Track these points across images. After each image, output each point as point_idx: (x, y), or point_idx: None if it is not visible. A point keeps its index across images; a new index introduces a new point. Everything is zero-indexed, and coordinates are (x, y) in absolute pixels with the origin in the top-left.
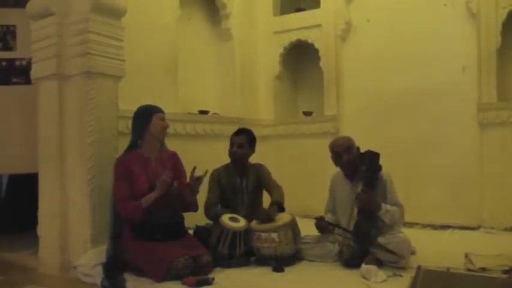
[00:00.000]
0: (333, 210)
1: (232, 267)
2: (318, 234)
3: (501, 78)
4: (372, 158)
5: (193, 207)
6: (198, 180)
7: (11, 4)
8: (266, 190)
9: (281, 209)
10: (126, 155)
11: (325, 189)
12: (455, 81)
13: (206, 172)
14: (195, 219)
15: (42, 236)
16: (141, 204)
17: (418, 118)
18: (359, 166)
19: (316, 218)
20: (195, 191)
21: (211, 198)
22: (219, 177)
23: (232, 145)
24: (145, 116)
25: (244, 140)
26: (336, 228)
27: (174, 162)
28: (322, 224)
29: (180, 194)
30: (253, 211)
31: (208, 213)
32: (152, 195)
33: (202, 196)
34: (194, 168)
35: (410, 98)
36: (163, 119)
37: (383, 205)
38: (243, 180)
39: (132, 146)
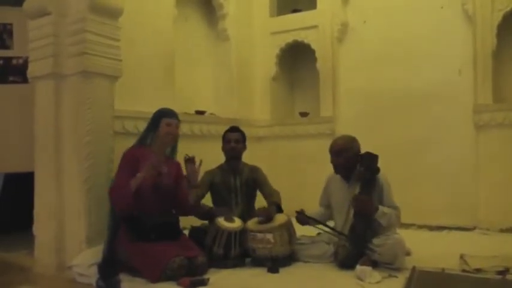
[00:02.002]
0: (325, 205)
1: (227, 268)
2: (313, 235)
3: (497, 80)
4: (370, 160)
5: (193, 208)
6: (191, 162)
7: (8, 2)
8: (263, 194)
9: (279, 210)
10: (135, 149)
11: (320, 190)
12: (451, 83)
13: (201, 162)
14: (190, 220)
15: (38, 236)
16: (130, 186)
17: (414, 119)
18: (353, 168)
19: (296, 212)
20: (193, 183)
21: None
22: (212, 178)
23: (229, 141)
24: (156, 118)
25: (240, 136)
26: (317, 223)
27: (178, 171)
28: (301, 218)
29: (179, 197)
30: (247, 210)
31: None
32: (139, 175)
33: None
34: (186, 157)
35: (406, 100)
36: (170, 125)
37: (380, 207)
38: (237, 179)
39: (141, 142)
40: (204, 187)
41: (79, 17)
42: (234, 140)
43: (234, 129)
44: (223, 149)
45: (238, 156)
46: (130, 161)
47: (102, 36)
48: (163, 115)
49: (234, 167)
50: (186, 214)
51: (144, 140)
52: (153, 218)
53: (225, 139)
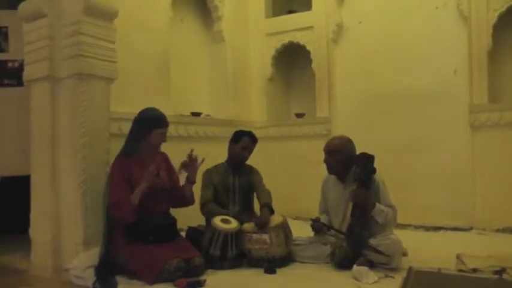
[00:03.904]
0: (325, 211)
1: (224, 269)
2: (310, 235)
3: (492, 80)
4: (366, 160)
5: (190, 199)
6: (194, 160)
7: (3, 5)
8: (255, 192)
9: (271, 211)
10: (124, 159)
11: (317, 191)
12: (446, 83)
13: (202, 160)
14: (187, 220)
15: (34, 238)
16: (130, 202)
17: (410, 120)
18: (349, 169)
19: (312, 219)
20: (191, 180)
21: (206, 194)
22: (211, 175)
23: (244, 148)
24: (146, 128)
25: (254, 148)
26: (331, 230)
27: (167, 163)
28: (317, 225)
29: (175, 190)
30: (244, 211)
31: (203, 209)
32: (139, 189)
33: (196, 195)
34: (192, 151)
35: (402, 100)
36: (163, 134)
37: (377, 204)
38: (236, 179)
39: (127, 151)
40: (210, 186)
41: (74, 20)
42: (249, 151)
43: (255, 138)
44: (234, 150)
45: (243, 162)
46: (122, 173)
47: (97, 39)
48: (156, 125)
49: (236, 168)
50: (183, 205)
51: (131, 148)
52: (151, 220)
53: (241, 143)
